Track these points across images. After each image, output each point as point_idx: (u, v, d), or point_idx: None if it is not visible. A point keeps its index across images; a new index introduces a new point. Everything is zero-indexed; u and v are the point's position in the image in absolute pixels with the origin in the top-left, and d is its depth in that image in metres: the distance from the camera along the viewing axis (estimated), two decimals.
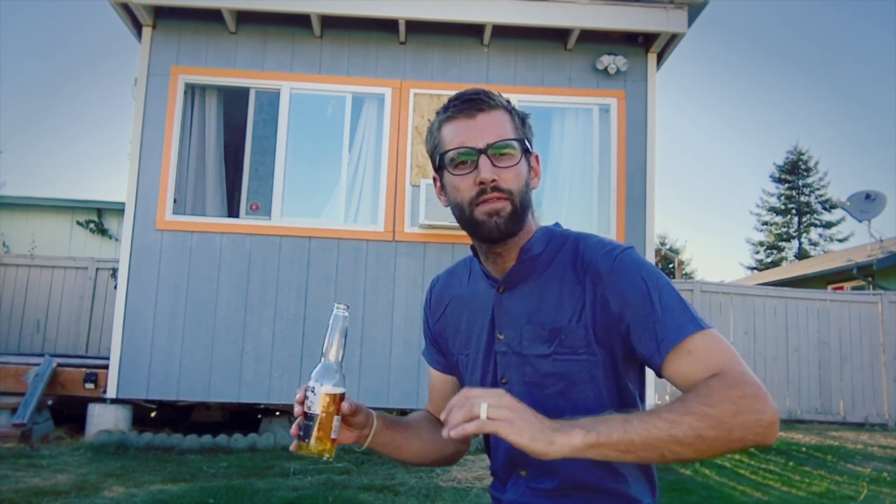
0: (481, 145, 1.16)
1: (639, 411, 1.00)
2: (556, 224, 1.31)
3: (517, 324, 1.22)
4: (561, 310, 1.17)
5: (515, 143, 1.18)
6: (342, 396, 1.10)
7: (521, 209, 1.18)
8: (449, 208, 1.24)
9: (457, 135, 1.18)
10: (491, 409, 0.95)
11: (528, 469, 1.22)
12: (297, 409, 1.10)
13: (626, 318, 1.11)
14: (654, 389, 6.82)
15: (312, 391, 1.08)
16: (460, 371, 1.35)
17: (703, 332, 1.06)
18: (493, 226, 1.16)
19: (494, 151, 1.16)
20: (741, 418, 0.95)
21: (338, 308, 1.13)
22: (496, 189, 1.15)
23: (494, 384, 1.25)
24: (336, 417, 1.09)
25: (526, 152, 1.21)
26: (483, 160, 1.15)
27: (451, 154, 1.18)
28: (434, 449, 1.36)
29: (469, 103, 1.19)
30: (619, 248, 1.16)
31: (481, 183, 1.15)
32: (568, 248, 1.21)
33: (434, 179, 1.27)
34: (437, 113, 1.24)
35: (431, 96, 5.96)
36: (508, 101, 1.25)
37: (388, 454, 1.29)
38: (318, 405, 1.07)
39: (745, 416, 0.96)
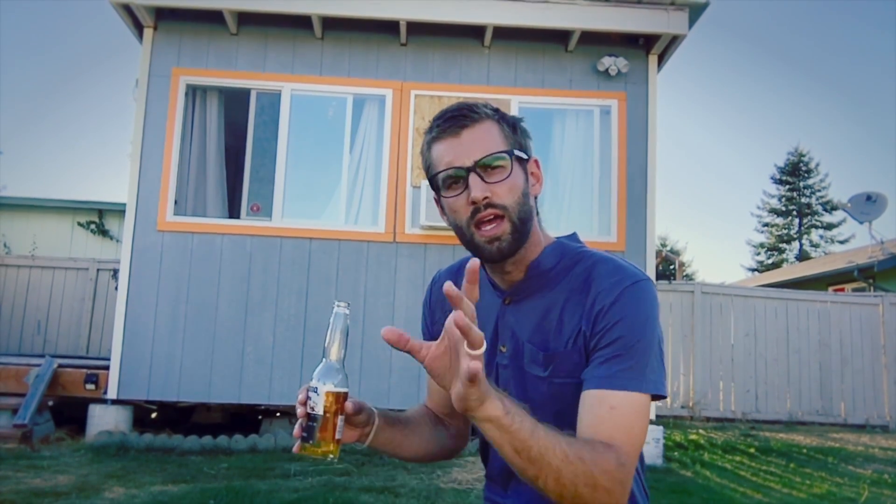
0: (469, 163, 1.12)
1: (547, 428, 0.98)
2: (573, 235, 1.27)
3: (519, 340, 1.20)
4: (560, 334, 1.15)
5: (505, 155, 1.13)
6: (345, 396, 1.08)
7: (520, 224, 1.14)
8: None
9: (445, 154, 1.14)
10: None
11: None
12: (299, 410, 1.08)
13: (598, 345, 1.10)
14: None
15: (315, 391, 1.06)
16: None
17: (637, 396, 1.05)
18: (495, 251, 1.14)
19: (483, 166, 1.12)
20: (606, 498, 0.98)
21: (338, 306, 1.11)
22: (490, 206, 1.11)
23: None
24: (339, 417, 1.07)
25: (520, 161, 1.16)
26: (473, 178, 1.11)
27: (441, 175, 1.15)
28: (434, 445, 1.35)
29: (452, 120, 1.14)
30: (629, 281, 1.12)
31: (473, 202, 1.11)
32: (580, 269, 1.17)
33: (436, 200, 1.24)
34: (425, 133, 1.20)
35: (432, 98, 5.96)
36: (496, 110, 1.18)
37: (389, 452, 1.27)
38: (320, 405, 1.06)
39: (609, 499, 0.98)
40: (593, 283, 1.13)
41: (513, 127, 1.18)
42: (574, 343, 1.13)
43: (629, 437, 1.03)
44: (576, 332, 1.13)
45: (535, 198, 1.22)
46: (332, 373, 1.08)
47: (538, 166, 1.22)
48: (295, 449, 1.08)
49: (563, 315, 1.15)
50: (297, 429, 1.08)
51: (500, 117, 1.17)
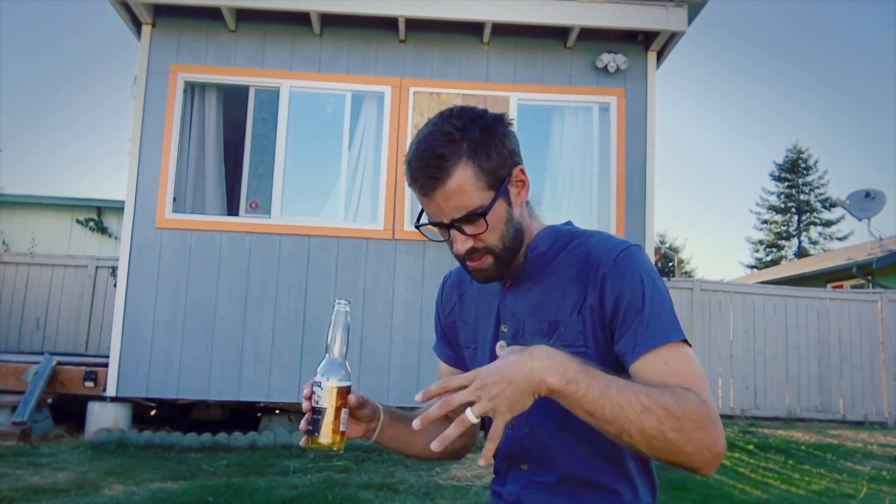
0: (447, 221, 1.15)
1: (620, 380, 0.99)
2: (568, 222, 1.31)
3: (520, 317, 1.24)
4: (563, 304, 1.18)
5: (480, 211, 1.12)
6: (349, 389, 1.13)
7: (505, 253, 1.19)
8: None
9: (423, 204, 1.19)
10: (476, 408, 0.97)
11: (528, 463, 1.23)
12: (304, 405, 1.12)
13: (616, 313, 1.12)
14: None
15: (319, 385, 1.11)
16: (467, 364, 1.36)
17: (682, 345, 1.07)
18: (482, 279, 1.22)
19: (462, 221, 1.14)
20: (700, 435, 0.97)
21: (339, 304, 1.16)
22: (473, 251, 1.17)
23: None
24: (344, 410, 1.12)
25: (500, 193, 1.14)
26: (454, 233, 1.16)
27: (424, 220, 1.21)
28: None
29: (422, 180, 1.13)
30: (623, 245, 1.16)
31: (457, 253, 1.18)
32: (575, 245, 1.21)
33: None
34: (405, 163, 1.19)
35: (431, 94, 5.95)
36: (467, 140, 1.11)
37: (395, 448, 1.30)
38: (325, 399, 1.10)
39: (704, 436, 0.98)
40: (590, 253, 1.17)
41: (487, 154, 1.12)
42: (579, 312, 1.16)
43: (697, 379, 1.04)
44: (580, 302, 1.16)
45: (523, 203, 1.22)
46: (335, 368, 1.13)
47: (524, 173, 1.20)
48: (301, 443, 1.13)
49: (566, 288, 1.19)
50: (302, 423, 1.12)
51: (472, 151, 1.11)
